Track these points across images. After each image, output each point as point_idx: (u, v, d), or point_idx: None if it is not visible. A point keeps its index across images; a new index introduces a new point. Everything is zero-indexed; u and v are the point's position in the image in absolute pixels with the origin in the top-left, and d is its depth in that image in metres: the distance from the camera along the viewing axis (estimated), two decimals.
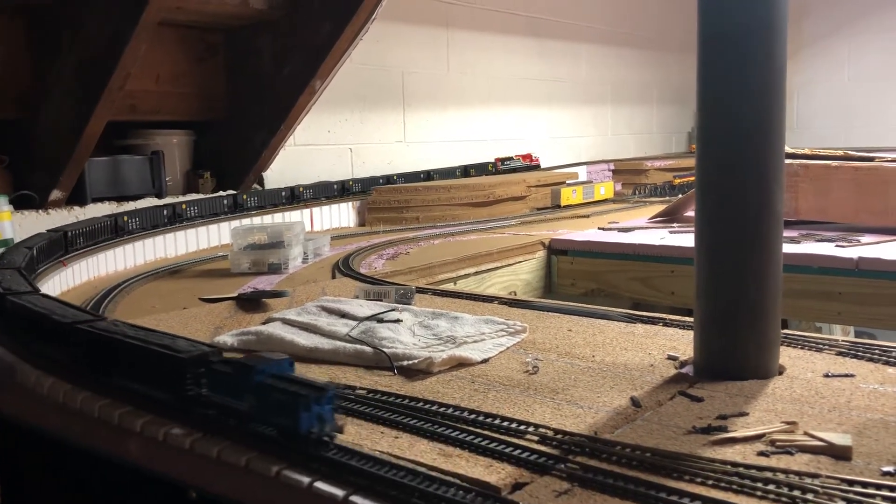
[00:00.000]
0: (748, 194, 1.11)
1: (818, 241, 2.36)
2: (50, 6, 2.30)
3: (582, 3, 4.56)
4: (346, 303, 1.52)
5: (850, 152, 2.59)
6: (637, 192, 4.17)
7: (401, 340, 1.24)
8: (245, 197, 2.70)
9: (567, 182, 3.78)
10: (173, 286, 1.99)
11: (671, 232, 2.68)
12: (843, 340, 1.25)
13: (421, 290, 1.74)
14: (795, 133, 5.61)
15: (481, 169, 3.86)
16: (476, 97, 3.89)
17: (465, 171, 3.75)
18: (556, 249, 2.65)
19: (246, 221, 2.62)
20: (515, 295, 2.57)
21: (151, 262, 2.33)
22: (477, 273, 2.38)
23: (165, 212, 2.43)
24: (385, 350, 1.18)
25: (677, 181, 4.29)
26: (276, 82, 2.68)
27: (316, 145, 3.09)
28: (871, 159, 2.52)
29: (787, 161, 2.64)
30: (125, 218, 2.28)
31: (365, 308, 1.47)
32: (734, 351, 1.10)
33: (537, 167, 4.43)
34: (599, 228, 2.83)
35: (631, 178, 4.56)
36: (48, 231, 2.03)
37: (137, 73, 2.27)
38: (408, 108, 3.48)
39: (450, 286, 2.28)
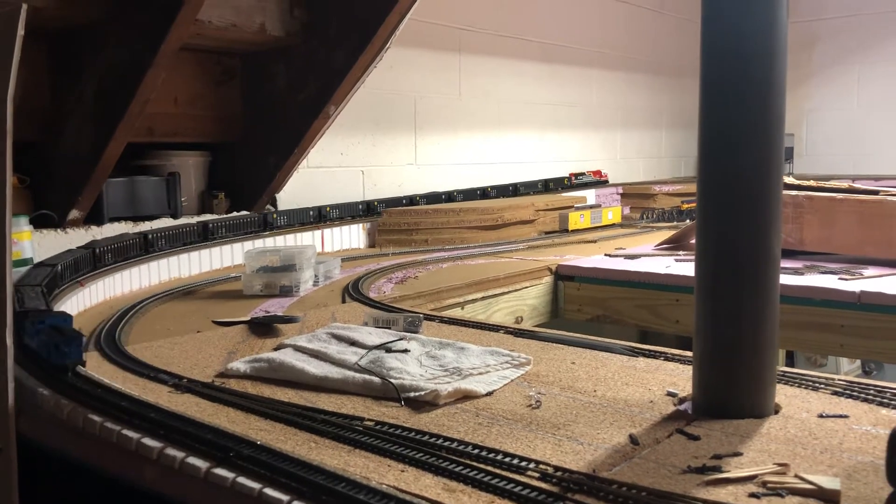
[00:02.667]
0: (744, 236, 1.14)
1: (822, 272, 2.39)
2: (72, 31, 2.37)
3: (593, 29, 4.61)
4: (356, 330, 1.56)
5: (854, 185, 2.62)
6: (645, 217, 4.21)
7: (408, 371, 1.27)
8: (274, 216, 2.77)
9: (575, 206, 3.82)
10: (187, 308, 2.03)
11: (677, 260, 2.72)
12: (839, 379, 1.28)
13: (429, 318, 1.78)
14: (804, 159, 5.65)
15: (502, 191, 3.92)
16: (487, 121, 3.95)
17: (484, 193, 3.82)
18: (563, 275, 2.69)
19: (258, 243, 2.67)
20: (522, 320, 2.61)
21: (166, 281, 2.39)
22: (484, 298, 2.42)
23: (194, 228, 2.51)
24: (393, 381, 1.22)
25: (685, 206, 4.33)
26: (290, 107, 2.73)
27: (328, 167, 3.14)
28: (877, 192, 2.55)
29: (793, 192, 2.69)
30: (149, 236, 2.35)
31: (374, 336, 1.51)
32: (730, 390, 1.14)
33: (606, 182, 4.77)
34: (606, 255, 2.87)
35: (639, 203, 4.60)
36: (77, 248, 2.12)
37: (156, 96, 2.33)
38: (419, 132, 3.53)
39: (458, 311, 2.32)
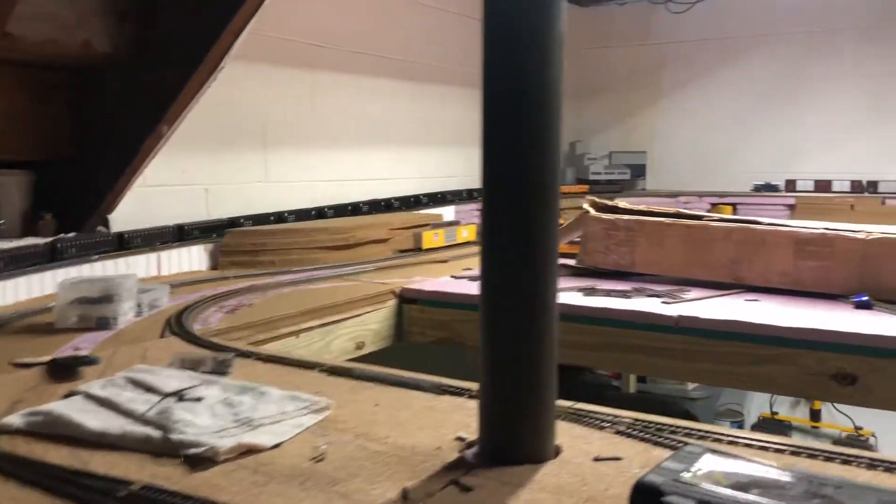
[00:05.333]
0: (522, 285, 1.16)
1: (648, 295, 2.49)
2: None
3: (453, 47, 4.66)
4: (157, 373, 1.49)
5: (682, 210, 2.75)
6: None
7: (195, 423, 1.22)
8: (105, 238, 2.62)
9: (431, 224, 3.84)
10: None
11: None
12: (626, 417, 1.33)
13: (244, 355, 1.73)
14: (656, 176, 5.92)
15: (358, 208, 3.89)
16: (343, 138, 3.91)
17: (340, 210, 3.77)
18: (406, 298, 2.69)
19: (85, 269, 2.53)
20: (364, 346, 2.59)
21: None
22: (322, 325, 2.38)
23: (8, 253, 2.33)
24: (174, 436, 1.17)
25: None
26: (122, 125, 2.61)
27: (169, 186, 3.02)
28: (700, 217, 2.69)
29: (626, 217, 2.80)
30: None
31: (174, 380, 1.44)
32: (509, 434, 1.15)
33: (563, 195, 4.70)
34: (452, 276, 2.89)
35: None
36: None
37: None
38: (270, 149, 3.45)
39: (292, 340, 2.27)
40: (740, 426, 5.45)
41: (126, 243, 2.70)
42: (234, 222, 3.12)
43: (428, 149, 4.60)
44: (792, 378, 2.08)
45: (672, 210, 2.76)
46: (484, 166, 1.19)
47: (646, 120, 6.01)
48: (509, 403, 1.15)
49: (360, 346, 2.54)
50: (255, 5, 2.37)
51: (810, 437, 5.45)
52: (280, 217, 3.33)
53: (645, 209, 2.81)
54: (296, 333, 2.28)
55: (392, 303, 2.67)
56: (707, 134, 5.78)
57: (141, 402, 1.33)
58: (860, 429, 5.01)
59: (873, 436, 5.12)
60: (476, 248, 3.82)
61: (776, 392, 2.16)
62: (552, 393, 1.19)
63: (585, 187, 5.49)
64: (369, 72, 4.04)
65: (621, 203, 2.92)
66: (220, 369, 1.56)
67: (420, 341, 2.68)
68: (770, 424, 5.41)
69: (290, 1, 3.54)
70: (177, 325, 2.04)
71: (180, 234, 2.90)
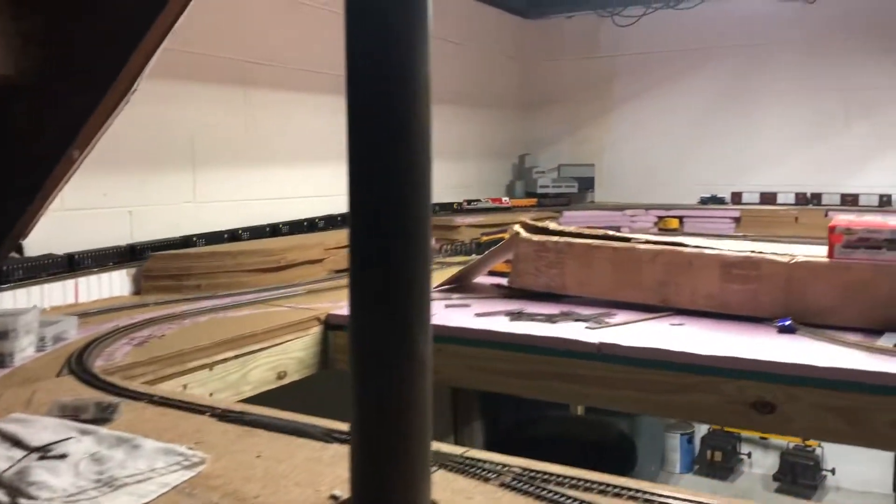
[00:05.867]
0: (389, 327, 1.10)
1: (575, 319, 2.46)
2: None
3: None
4: (30, 424, 1.41)
5: (610, 232, 2.73)
6: (444, 251, 4.23)
7: (51, 485, 1.15)
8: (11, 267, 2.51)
9: None
10: None
11: (447, 305, 2.72)
12: (516, 467, 1.28)
13: (136, 396, 1.65)
14: (605, 189, 5.92)
15: (297, 226, 3.81)
16: (280, 155, 3.83)
17: (275, 229, 3.69)
18: (332, 325, 2.62)
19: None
20: (285, 375, 2.52)
21: None
22: (239, 356, 2.30)
23: None
24: (21, 501, 1.10)
25: (484, 238, 4.40)
26: (31, 149, 2.50)
27: (89, 209, 2.91)
28: (628, 240, 2.66)
29: (555, 239, 2.76)
30: None
31: (46, 432, 1.37)
32: (379, 493, 1.10)
33: (509, 209, 5.14)
34: None
35: (444, 235, 4.63)
36: None
37: None
38: (199, 168, 3.36)
39: (205, 373, 2.20)
40: (690, 439, 5.47)
41: (38, 271, 2.60)
42: (157, 245, 3.03)
43: None
44: (713, 407, 2.06)
45: (600, 232, 2.73)
46: (349, 195, 1.10)
47: (595, 132, 6.01)
48: (378, 457, 1.09)
49: (281, 376, 2.47)
50: (166, 27, 2.28)
51: (759, 448, 5.48)
52: (208, 239, 3.25)
53: (574, 231, 2.78)
54: (209, 366, 2.20)
55: (317, 329, 2.60)
56: (655, 146, 5.80)
57: (2, 460, 1.25)
58: (807, 440, 5.04)
59: (820, 446, 5.15)
60: None
61: (698, 420, 2.15)
62: (425, 445, 1.13)
63: (534, 201, 5.47)
64: (308, 88, 3.97)
65: (551, 224, 2.89)
66: (103, 416, 1.49)
67: (346, 369, 2.61)
68: (719, 437, 5.43)
69: (221, 18, 3.46)
70: (77, 362, 1.95)
71: (99, 259, 2.80)
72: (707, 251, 2.48)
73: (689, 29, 5.58)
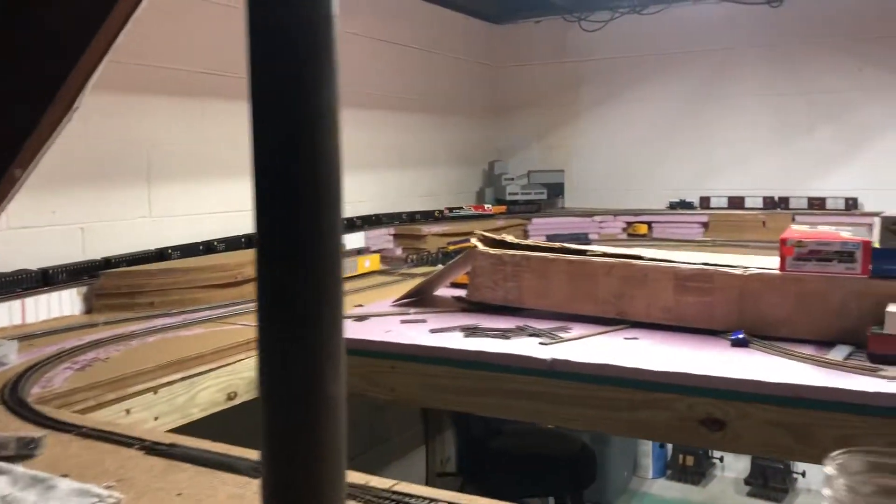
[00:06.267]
0: (291, 367, 1.06)
1: (529, 334, 2.43)
2: None
3: (352, 70, 4.58)
4: None
5: (567, 245, 2.71)
6: (409, 261, 4.20)
7: None
8: None
9: None
10: None
11: (403, 321, 2.69)
12: (443, 500, 1.25)
13: (64, 428, 1.60)
14: (575, 194, 5.91)
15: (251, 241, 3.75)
16: (242, 168, 3.77)
17: (236, 242, 3.63)
18: None
19: None
20: (236, 395, 2.47)
21: None
22: (185, 378, 2.25)
23: None
24: None
25: (451, 248, 4.37)
26: None
27: (38, 227, 2.85)
28: (584, 253, 2.64)
29: (512, 252, 2.74)
30: None
31: None
32: None
33: (491, 216, 5.22)
34: None
35: (411, 244, 4.60)
36: None
37: None
38: (155, 182, 3.31)
39: (150, 397, 2.15)
40: (662, 444, 5.46)
41: (25, 283, 2.54)
42: (109, 262, 2.97)
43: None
44: (663, 424, 2.04)
45: (557, 245, 2.71)
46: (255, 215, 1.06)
47: (565, 138, 6.00)
48: (287, 498, 1.05)
49: (231, 397, 2.43)
50: (106, 42, 2.23)
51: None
52: (163, 254, 3.19)
53: (531, 244, 2.76)
54: (154, 389, 2.15)
55: None
56: (624, 151, 5.80)
57: None
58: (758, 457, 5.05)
59: None
60: (379, 280, 3.71)
61: (652, 438, 2.13)
62: (337, 485, 1.10)
63: (503, 208, 5.45)
64: None
65: (508, 237, 2.86)
66: (25, 452, 1.44)
67: None
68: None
69: (176, 30, 3.41)
70: (10, 390, 1.90)
71: (47, 278, 2.74)
72: (661, 264, 2.46)
73: (655, 34, 5.59)
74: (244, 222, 3.78)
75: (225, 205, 3.66)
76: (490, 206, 5.42)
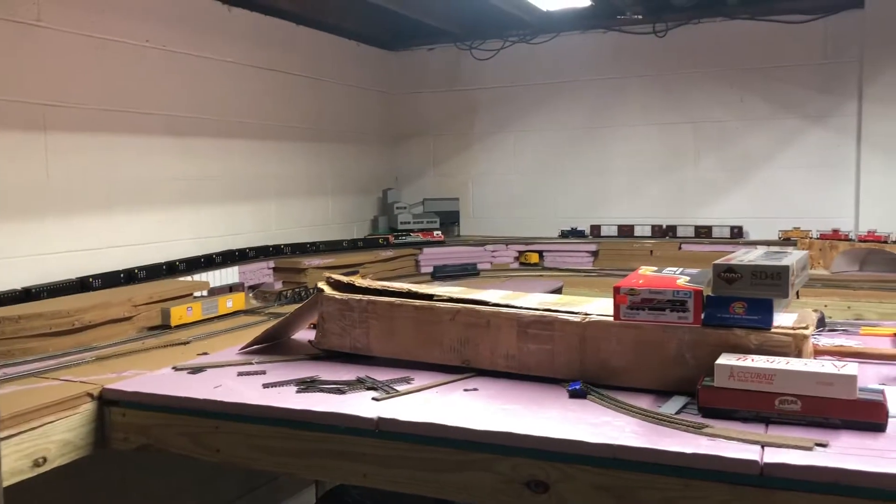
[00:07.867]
0: None
1: (368, 387, 2.30)
2: None
3: (228, 100, 4.41)
4: None
5: (413, 289, 2.59)
6: (282, 298, 4.03)
7: None
8: None
9: (195, 295, 3.55)
10: None
11: (240, 373, 2.53)
12: None
13: None
14: (472, 221, 5.85)
15: (112, 279, 3.51)
16: (92, 204, 3.57)
17: (83, 283, 3.39)
18: (108, 400, 2.39)
19: None
20: (45, 461, 2.26)
21: None
22: None
23: None
24: None
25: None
26: None
27: None
28: (431, 297, 2.53)
29: (359, 296, 2.61)
30: None
31: None
32: None
33: (442, 243, 5.23)
34: (174, 367, 2.61)
35: (291, 278, 4.43)
36: None
37: None
38: None
39: None
40: None
41: None
42: None
43: (206, 206, 4.31)
44: (487, 486, 1.93)
45: (404, 289, 2.59)
46: None
47: (459, 166, 5.94)
48: None
49: (39, 463, 2.22)
50: None
51: None
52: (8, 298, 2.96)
53: (379, 287, 2.63)
54: None
55: (89, 406, 2.36)
56: (518, 179, 5.76)
57: None
58: None
59: None
60: (241, 321, 3.49)
61: (478, 501, 2.01)
62: None
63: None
64: (126, 129, 3.72)
65: (357, 280, 2.73)
66: None
67: (124, 449, 2.39)
68: None
69: (14, 60, 3.19)
70: None
71: None
72: (503, 310, 2.36)
73: (545, 63, 5.58)
74: (99, 261, 3.57)
75: (76, 243, 3.44)
76: (439, 233, 5.35)
